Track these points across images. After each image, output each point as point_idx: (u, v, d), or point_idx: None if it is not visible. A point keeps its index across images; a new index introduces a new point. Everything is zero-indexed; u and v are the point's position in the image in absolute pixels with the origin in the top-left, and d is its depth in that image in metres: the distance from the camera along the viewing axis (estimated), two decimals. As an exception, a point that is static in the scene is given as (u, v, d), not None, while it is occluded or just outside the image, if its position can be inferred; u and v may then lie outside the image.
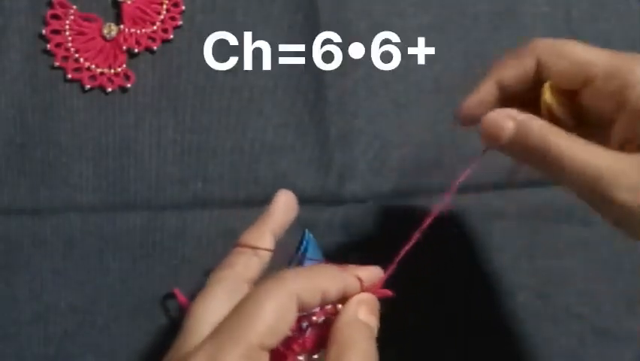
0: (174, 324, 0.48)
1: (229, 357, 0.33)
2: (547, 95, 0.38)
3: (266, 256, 0.40)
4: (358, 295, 0.37)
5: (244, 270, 0.39)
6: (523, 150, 0.38)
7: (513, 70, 0.39)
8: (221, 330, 0.34)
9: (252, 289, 0.37)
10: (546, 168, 0.37)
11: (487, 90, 0.40)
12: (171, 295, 0.48)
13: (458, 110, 0.41)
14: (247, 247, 0.40)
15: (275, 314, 0.34)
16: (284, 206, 0.42)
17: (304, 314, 0.38)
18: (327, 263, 0.40)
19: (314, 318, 0.38)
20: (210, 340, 0.34)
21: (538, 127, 0.37)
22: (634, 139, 0.36)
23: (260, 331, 0.34)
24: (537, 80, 0.39)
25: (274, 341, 0.34)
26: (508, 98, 0.40)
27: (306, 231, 0.45)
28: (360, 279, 0.37)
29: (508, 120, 0.38)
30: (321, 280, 0.36)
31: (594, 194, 0.35)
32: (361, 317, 0.36)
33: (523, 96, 0.40)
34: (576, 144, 0.36)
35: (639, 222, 0.34)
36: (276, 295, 0.35)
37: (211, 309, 0.37)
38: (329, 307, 0.37)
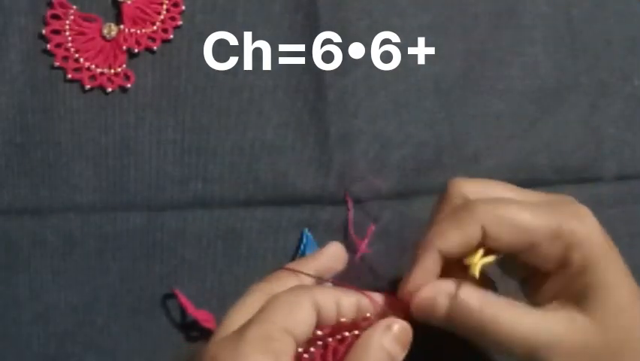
0: (174, 324, 0.48)
1: (250, 333, 0.34)
2: (477, 262, 0.38)
3: (305, 280, 0.40)
4: (389, 318, 0.37)
5: (279, 286, 0.39)
6: (458, 325, 0.38)
7: (456, 240, 0.38)
8: (247, 322, 0.36)
9: None
10: (482, 340, 0.38)
11: (429, 261, 0.39)
12: (171, 295, 0.48)
13: (404, 287, 0.40)
14: (289, 270, 0.40)
15: (296, 310, 0.35)
16: (332, 255, 0.42)
17: (320, 335, 0.38)
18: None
19: (329, 339, 0.38)
20: (238, 329, 0.36)
21: (473, 303, 0.37)
22: (567, 295, 0.37)
23: (281, 318, 0.35)
24: (482, 242, 0.38)
25: (295, 332, 0.35)
26: (453, 260, 0.39)
27: (305, 230, 0.45)
28: (372, 299, 0.37)
29: (442, 298, 0.38)
30: (336, 291, 0.37)
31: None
32: (386, 345, 0.36)
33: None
34: (512, 314, 0.36)
35: None
36: (297, 296, 0.36)
37: (242, 315, 0.37)
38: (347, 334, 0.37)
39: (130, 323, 0.48)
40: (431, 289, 0.38)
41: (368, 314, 0.38)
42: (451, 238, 0.38)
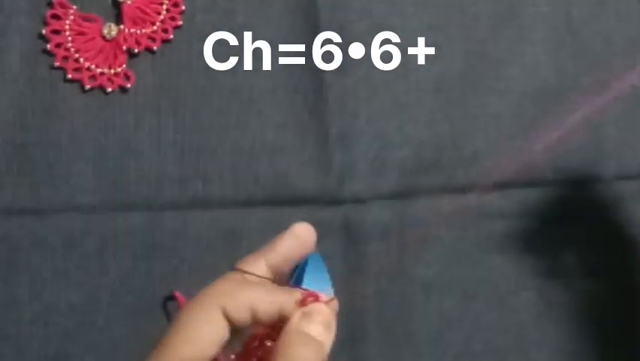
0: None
1: None
2: None
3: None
4: (305, 307, 0.36)
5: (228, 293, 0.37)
6: None
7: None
8: (158, 345, 0.36)
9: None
10: None
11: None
12: (171, 298, 0.48)
13: None
14: (238, 270, 0.39)
15: (196, 327, 0.35)
16: (293, 238, 0.40)
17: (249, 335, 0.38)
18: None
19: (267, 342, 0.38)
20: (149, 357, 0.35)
21: None
22: None
23: (179, 342, 0.35)
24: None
25: (200, 351, 0.35)
26: None
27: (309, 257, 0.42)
28: (304, 298, 0.36)
29: None
30: (249, 295, 0.36)
31: None
32: (303, 328, 0.35)
33: None
34: None
35: None
36: (199, 309, 0.36)
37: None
38: None
39: (130, 323, 0.48)
40: None
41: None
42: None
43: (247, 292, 0.36)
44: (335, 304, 0.37)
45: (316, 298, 0.36)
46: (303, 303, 0.36)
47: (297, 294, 0.36)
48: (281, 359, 0.34)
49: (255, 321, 0.36)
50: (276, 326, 0.36)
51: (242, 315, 0.36)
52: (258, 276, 0.39)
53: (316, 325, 0.35)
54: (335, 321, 0.36)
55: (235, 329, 0.37)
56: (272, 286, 0.37)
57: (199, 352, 0.36)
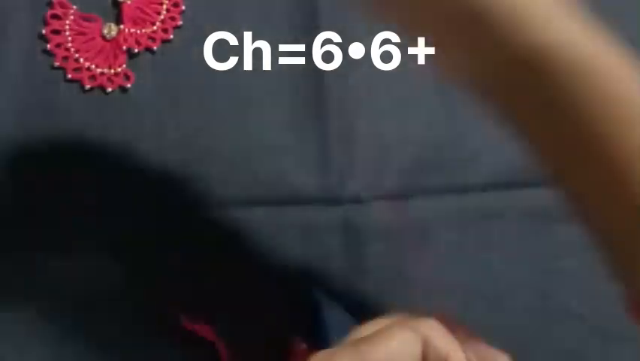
0: (174, 324, 0.48)
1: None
2: None
3: None
4: None
5: None
6: None
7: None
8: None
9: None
10: None
11: None
12: (171, 296, 0.48)
13: None
14: None
15: (397, 344, 0.33)
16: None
17: None
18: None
19: None
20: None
21: None
22: None
23: (379, 354, 0.32)
24: None
25: None
26: None
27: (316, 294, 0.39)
28: None
29: None
30: (448, 344, 0.34)
31: None
32: None
33: None
34: None
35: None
36: (402, 331, 0.33)
37: None
38: None
39: (130, 324, 0.48)
40: None
41: None
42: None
43: (447, 339, 0.34)
44: None
45: None
46: None
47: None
48: None
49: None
50: None
51: (443, 349, 0.34)
52: None
53: None
54: None
55: None
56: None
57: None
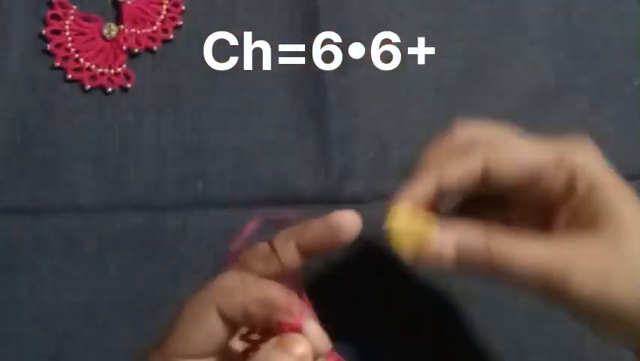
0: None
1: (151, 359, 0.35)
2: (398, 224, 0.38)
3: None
4: (283, 334, 0.34)
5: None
6: (470, 269, 0.37)
7: (457, 176, 0.38)
8: (158, 342, 0.36)
9: None
10: (498, 279, 0.37)
11: (424, 191, 0.39)
12: (171, 296, 0.48)
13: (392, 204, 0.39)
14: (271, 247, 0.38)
15: (187, 322, 0.35)
16: (325, 227, 0.38)
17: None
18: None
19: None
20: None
21: (479, 246, 0.37)
22: (576, 225, 0.37)
23: (173, 339, 0.35)
24: (482, 180, 0.38)
25: (192, 348, 0.35)
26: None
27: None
28: (283, 326, 0.34)
29: (447, 249, 0.37)
30: (244, 296, 0.35)
31: (550, 290, 0.36)
32: (273, 357, 0.34)
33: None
34: (521, 248, 0.36)
35: (598, 309, 0.35)
36: (196, 306, 0.36)
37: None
38: None
39: (130, 323, 0.48)
40: (435, 243, 0.37)
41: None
42: (450, 172, 0.38)
43: (242, 293, 0.35)
44: (324, 346, 0.35)
45: (297, 329, 0.34)
46: (282, 329, 0.34)
47: (288, 309, 0.34)
48: None
49: (249, 322, 0.36)
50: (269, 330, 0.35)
51: (234, 315, 0.35)
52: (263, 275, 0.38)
53: (288, 357, 0.33)
54: (310, 351, 0.34)
55: (235, 328, 0.36)
56: (270, 290, 0.36)
57: (194, 349, 0.35)
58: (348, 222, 0.38)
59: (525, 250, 0.36)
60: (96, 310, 0.48)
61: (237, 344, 0.38)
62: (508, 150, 0.38)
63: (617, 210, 0.37)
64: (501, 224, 0.39)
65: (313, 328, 0.35)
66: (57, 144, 0.50)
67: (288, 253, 0.38)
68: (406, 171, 0.51)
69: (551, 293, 0.36)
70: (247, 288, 0.36)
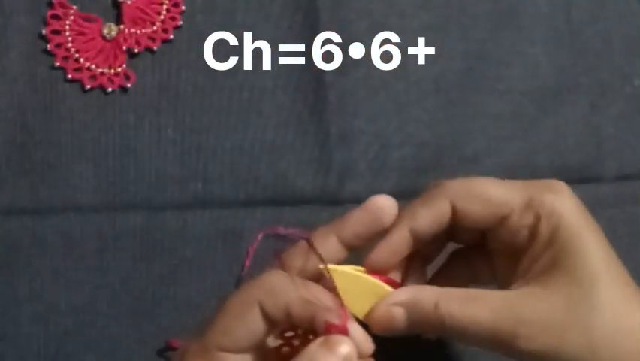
0: (174, 325, 0.48)
1: (189, 355, 0.36)
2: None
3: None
4: (329, 335, 0.35)
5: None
6: (421, 330, 0.38)
7: (427, 218, 0.38)
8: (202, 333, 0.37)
9: None
10: (451, 337, 0.38)
11: (398, 239, 0.39)
12: (171, 296, 0.48)
13: (367, 260, 0.39)
14: (311, 246, 0.39)
15: (230, 317, 0.36)
16: (365, 213, 0.39)
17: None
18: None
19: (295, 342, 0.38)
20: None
21: (427, 306, 0.36)
22: (533, 272, 0.36)
23: (215, 331, 0.36)
24: (453, 221, 0.38)
25: (233, 343, 0.36)
26: (422, 241, 0.39)
27: None
28: (329, 327, 0.35)
29: (397, 310, 0.37)
30: (287, 296, 0.36)
31: (499, 346, 0.35)
32: (318, 357, 0.35)
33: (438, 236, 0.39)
34: (470, 307, 0.36)
35: None
36: (239, 302, 0.36)
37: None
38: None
39: (130, 323, 0.48)
40: (383, 305, 0.37)
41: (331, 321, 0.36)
42: (420, 215, 0.38)
43: (286, 293, 0.36)
44: (368, 347, 0.36)
45: (342, 331, 0.35)
46: (328, 331, 0.35)
47: (331, 314, 0.35)
48: None
49: (290, 322, 0.36)
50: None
51: (277, 314, 0.36)
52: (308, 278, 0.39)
53: (333, 357, 0.34)
54: (354, 352, 0.35)
55: (275, 326, 0.37)
56: (313, 292, 0.37)
57: (234, 343, 0.36)
58: (386, 204, 0.39)
59: (474, 309, 0.36)
60: (96, 310, 0.48)
61: (271, 341, 0.39)
62: (475, 187, 0.38)
63: (579, 258, 0.35)
64: (487, 277, 0.40)
65: (357, 330, 0.36)
66: (57, 144, 0.50)
67: (331, 247, 0.39)
68: (406, 171, 0.51)
69: (501, 349, 0.36)
70: (291, 288, 0.36)
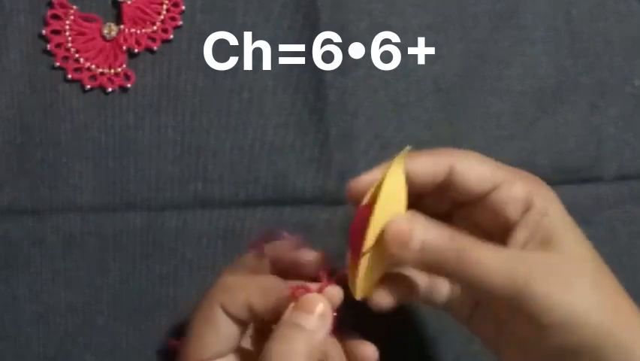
0: (174, 324, 0.48)
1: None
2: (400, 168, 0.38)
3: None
4: (297, 299, 0.36)
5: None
6: (432, 261, 0.37)
7: (424, 163, 0.39)
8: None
9: None
10: (458, 278, 0.37)
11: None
12: (171, 296, 0.48)
13: (349, 186, 0.40)
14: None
15: (198, 324, 0.37)
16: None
17: None
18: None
19: None
20: None
21: (444, 240, 0.36)
22: (534, 239, 0.37)
23: (189, 343, 0.37)
24: (444, 185, 0.39)
25: (206, 350, 0.36)
26: (416, 189, 0.39)
27: None
28: (294, 292, 0.36)
29: (419, 230, 0.36)
30: (244, 292, 0.36)
31: (514, 295, 0.35)
32: (293, 320, 0.35)
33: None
34: (489, 249, 0.36)
35: (560, 319, 0.35)
36: (200, 307, 0.37)
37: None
38: None
39: (130, 323, 0.48)
40: (408, 220, 0.37)
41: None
42: (420, 160, 0.39)
43: (243, 288, 0.36)
44: (335, 291, 0.37)
45: (306, 290, 0.36)
46: (294, 296, 0.35)
47: (287, 289, 0.36)
48: (268, 353, 0.34)
49: (255, 316, 0.36)
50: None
51: (239, 311, 0.36)
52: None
53: (307, 315, 0.35)
54: (329, 307, 0.36)
55: (243, 324, 0.37)
56: (269, 281, 0.37)
57: (208, 350, 0.36)
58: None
59: (492, 253, 0.36)
60: (96, 310, 0.48)
61: (248, 343, 0.39)
62: (476, 154, 0.39)
63: (564, 237, 0.37)
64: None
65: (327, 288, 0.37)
66: (57, 144, 0.50)
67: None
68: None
69: (515, 299, 0.35)
70: (248, 283, 0.37)
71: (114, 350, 0.47)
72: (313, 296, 0.36)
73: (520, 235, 0.38)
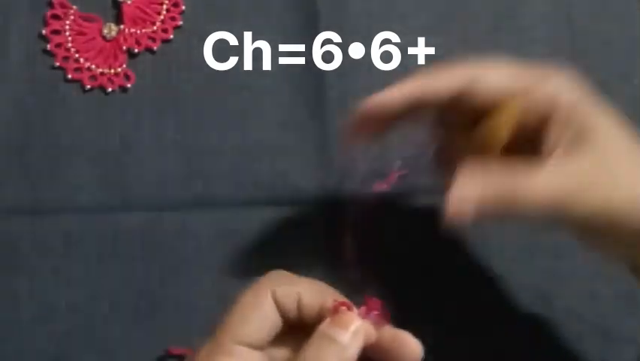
0: (174, 324, 0.48)
1: (202, 350, 0.36)
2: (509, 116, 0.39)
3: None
4: (337, 314, 0.36)
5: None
6: (494, 202, 0.38)
7: (444, 78, 0.40)
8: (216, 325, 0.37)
9: None
10: (514, 209, 0.38)
11: (409, 85, 0.41)
12: (171, 293, 0.48)
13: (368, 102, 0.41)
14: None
15: (245, 307, 0.37)
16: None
17: None
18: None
19: None
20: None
21: (501, 178, 0.38)
22: (564, 145, 0.38)
23: (230, 324, 0.36)
24: (454, 103, 0.39)
25: (249, 332, 0.36)
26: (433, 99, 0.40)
27: None
28: (336, 306, 0.36)
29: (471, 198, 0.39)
30: (297, 285, 0.37)
31: (562, 212, 0.37)
32: (328, 331, 0.36)
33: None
34: (532, 175, 0.37)
35: (602, 223, 0.36)
36: (252, 293, 0.37)
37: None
38: None
39: (130, 323, 0.48)
40: (460, 191, 0.39)
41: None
42: (440, 75, 0.40)
43: (296, 284, 0.37)
44: (367, 329, 0.37)
45: (348, 307, 0.36)
46: (335, 311, 0.36)
47: (333, 301, 0.36)
48: (302, 356, 0.35)
49: (299, 313, 0.37)
50: None
51: (288, 302, 0.37)
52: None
53: (342, 329, 0.36)
54: (363, 332, 0.36)
55: (286, 319, 0.37)
56: (321, 285, 0.38)
57: (250, 333, 0.36)
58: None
59: (540, 177, 0.37)
60: (96, 310, 0.48)
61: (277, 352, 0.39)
62: (493, 70, 0.40)
63: (596, 128, 0.38)
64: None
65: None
66: (57, 144, 0.50)
67: None
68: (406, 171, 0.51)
69: (562, 215, 0.37)
70: (300, 279, 0.38)
71: (114, 350, 0.47)
72: (351, 315, 0.36)
73: (552, 136, 0.38)
